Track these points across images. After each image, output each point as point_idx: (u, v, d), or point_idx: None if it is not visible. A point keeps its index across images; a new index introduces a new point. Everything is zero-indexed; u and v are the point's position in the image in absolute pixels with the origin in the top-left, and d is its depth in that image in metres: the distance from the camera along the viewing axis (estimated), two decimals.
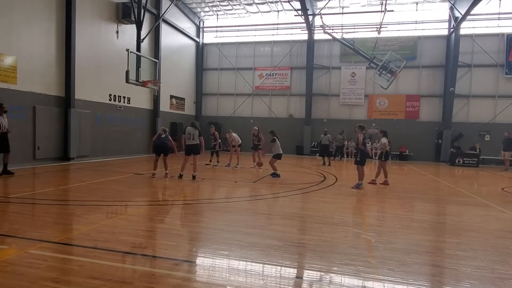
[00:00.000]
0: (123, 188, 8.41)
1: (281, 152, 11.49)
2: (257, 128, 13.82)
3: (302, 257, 4.14)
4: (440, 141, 20.96)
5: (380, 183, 10.39)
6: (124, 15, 16.15)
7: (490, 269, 3.88)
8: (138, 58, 13.65)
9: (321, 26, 19.83)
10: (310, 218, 6.09)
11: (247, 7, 22.82)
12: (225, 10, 23.52)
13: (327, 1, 19.48)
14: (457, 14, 19.50)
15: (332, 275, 3.61)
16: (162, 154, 10.23)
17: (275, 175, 11.10)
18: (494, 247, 4.73)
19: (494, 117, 20.55)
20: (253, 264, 3.81)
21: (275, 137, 11.44)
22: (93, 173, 10.83)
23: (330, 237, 4.92)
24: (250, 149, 14.31)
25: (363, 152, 9.65)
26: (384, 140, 10.56)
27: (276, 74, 24.13)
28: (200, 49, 25.15)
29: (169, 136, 10.47)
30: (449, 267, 3.97)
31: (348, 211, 7.01)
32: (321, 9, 19.89)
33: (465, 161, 19.01)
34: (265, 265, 3.80)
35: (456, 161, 19.11)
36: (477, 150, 19.39)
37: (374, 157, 21.61)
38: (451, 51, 20.40)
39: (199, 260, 3.99)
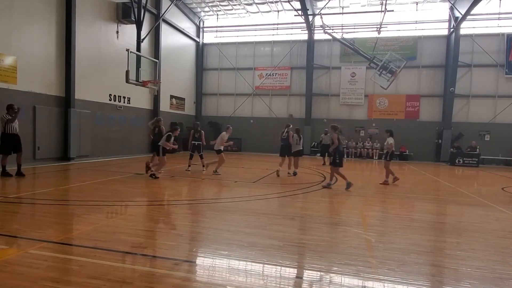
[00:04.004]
0: (123, 188, 8.40)
1: (299, 149, 11.96)
2: (291, 125, 12.30)
3: (302, 257, 4.14)
4: (440, 141, 20.96)
5: (380, 183, 10.40)
6: (124, 15, 16.15)
7: (490, 269, 3.88)
8: (138, 58, 13.65)
9: (321, 26, 19.83)
10: (310, 218, 6.09)
11: (247, 7, 22.82)
12: (225, 10, 23.53)
13: (327, 1, 19.48)
14: (457, 14, 19.50)
15: (332, 275, 3.61)
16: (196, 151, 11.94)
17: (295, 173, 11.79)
18: (494, 247, 4.73)
19: (494, 117, 20.56)
20: (253, 264, 3.81)
21: (296, 134, 11.88)
22: (93, 173, 10.82)
23: (330, 237, 4.92)
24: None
25: (340, 153, 9.36)
26: (390, 140, 10.50)
27: (276, 74, 24.13)
28: (200, 49, 25.15)
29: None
30: (449, 267, 3.97)
31: (348, 211, 7.01)
32: (321, 9, 19.88)
33: (465, 161, 19.01)
34: (265, 265, 3.80)
35: (456, 161, 19.11)
36: (477, 149, 19.38)
37: (374, 157, 21.69)
38: (451, 51, 20.40)
39: (199, 260, 4.00)
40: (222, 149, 11.43)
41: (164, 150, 9.93)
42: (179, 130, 10.59)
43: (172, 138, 9.93)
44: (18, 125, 9.43)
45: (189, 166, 12.09)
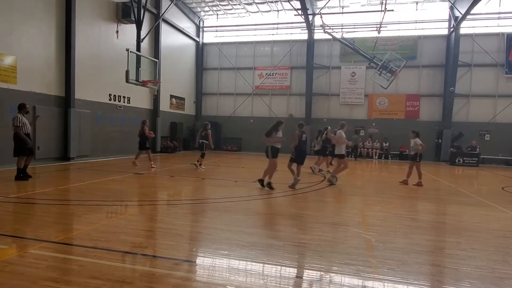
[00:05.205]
0: (123, 188, 8.40)
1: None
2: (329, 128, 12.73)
3: (302, 257, 4.14)
4: (440, 140, 20.95)
5: (414, 184, 10.41)
6: (124, 14, 16.13)
7: (490, 268, 3.88)
8: (138, 58, 13.65)
9: (321, 25, 19.84)
10: (310, 218, 6.09)
11: (247, 6, 22.80)
12: (225, 9, 23.51)
13: (327, 0, 19.47)
14: (457, 13, 19.49)
15: (332, 274, 3.61)
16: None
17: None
18: (494, 247, 4.73)
19: (494, 117, 20.55)
20: (253, 263, 3.81)
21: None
22: (93, 173, 10.82)
23: (330, 237, 4.92)
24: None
25: (299, 151, 9.03)
26: (418, 140, 10.53)
27: (276, 73, 24.13)
28: (200, 49, 25.15)
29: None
30: (449, 266, 3.97)
31: (348, 211, 7.01)
32: (321, 9, 19.87)
33: (465, 161, 19.01)
34: (265, 265, 3.80)
35: (456, 160, 19.11)
36: (477, 149, 19.37)
37: (374, 157, 21.68)
38: (451, 51, 20.39)
39: (199, 260, 4.00)
40: (344, 152, 10.09)
41: (274, 151, 8.63)
42: (283, 123, 8.78)
43: (279, 133, 8.60)
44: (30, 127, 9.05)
45: (200, 164, 12.51)
